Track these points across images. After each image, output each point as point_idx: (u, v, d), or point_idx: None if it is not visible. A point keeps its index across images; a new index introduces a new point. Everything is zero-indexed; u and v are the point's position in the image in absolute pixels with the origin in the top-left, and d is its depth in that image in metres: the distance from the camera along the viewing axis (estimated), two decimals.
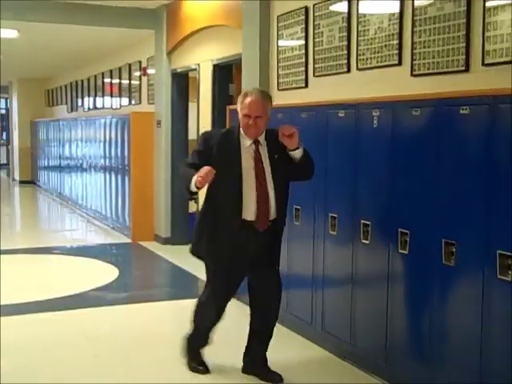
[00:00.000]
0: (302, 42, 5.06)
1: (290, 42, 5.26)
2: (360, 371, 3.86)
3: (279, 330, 4.10)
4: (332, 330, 4.13)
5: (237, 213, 3.50)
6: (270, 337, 3.81)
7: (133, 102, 9.72)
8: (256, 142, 3.58)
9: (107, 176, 9.72)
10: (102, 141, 9.98)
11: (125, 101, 10.08)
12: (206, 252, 3.69)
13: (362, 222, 3.75)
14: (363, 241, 3.75)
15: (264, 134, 3.62)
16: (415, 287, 3.44)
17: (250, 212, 3.51)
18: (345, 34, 4.54)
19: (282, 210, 3.62)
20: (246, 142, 3.57)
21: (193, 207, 7.94)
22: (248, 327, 3.86)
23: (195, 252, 3.75)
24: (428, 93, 3.48)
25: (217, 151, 3.54)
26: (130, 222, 8.69)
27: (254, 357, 3.82)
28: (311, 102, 4.49)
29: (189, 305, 5.55)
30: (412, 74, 3.92)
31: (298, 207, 4.39)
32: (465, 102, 3.10)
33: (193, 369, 3.88)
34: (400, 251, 3.46)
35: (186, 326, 5.04)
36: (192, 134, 8.03)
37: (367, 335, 3.81)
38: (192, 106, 8.02)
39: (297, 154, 3.54)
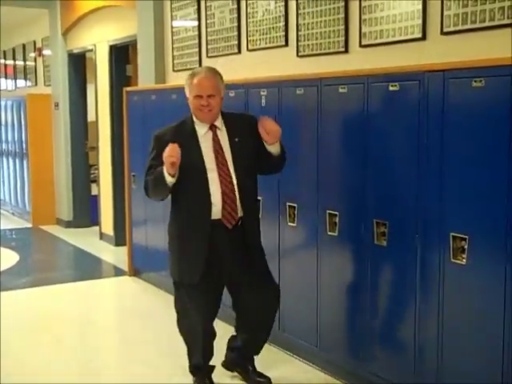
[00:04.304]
0: (195, 23, 5.16)
1: (184, 22, 5.35)
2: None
3: None
4: None
5: (207, 214, 3.05)
6: (264, 341, 3.42)
7: (29, 83, 9.47)
8: (213, 128, 3.13)
9: (4, 160, 9.45)
10: None
11: (20, 82, 9.80)
12: (175, 267, 3.23)
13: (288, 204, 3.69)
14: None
15: (221, 117, 3.17)
16: (346, 268, 3.39)
17: (216, 209, 3.06)
18: (235, 15, 4.68)
19: (249, 202, 3.16)
20: (202, 130, 3.12)
21: (95, 190, 7.91)
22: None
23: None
24: (310, 73, 3.68)
25: None
26: (30, 207, 8.53)
27: (241, 353, 3.43)
28: None
29: (91, 286, 5.66)
30: (298, 55, 4.12)
31: None
32: (343, 82, 3.31)
33: None
34: (329, 233, 3.42)
35: (88, 306, 5.12)
36: (91, 116, 7.97)
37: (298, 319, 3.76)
38: (90, 88, 7.93)
39: (273, 148, 3.13)
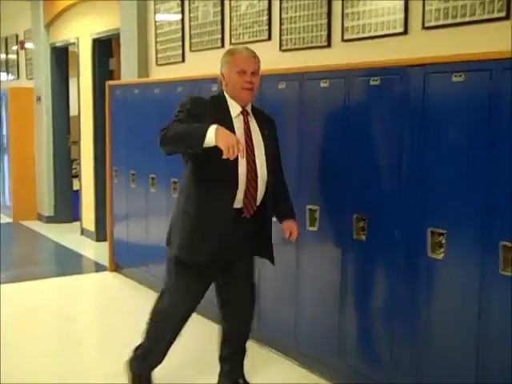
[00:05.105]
0: (179, 16, 5.13)
1: (167, 16, 5.31)
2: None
3: None
4: None
5: (231, 197, 2.89)
6: (244, 352, 3.27)
7: (11, 77, 9.38)
8: (244, 112, 2.96)
9: None
10: None
11: (2, 76, 9.70)
12: (179, 249, 2.98)
13: None
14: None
15: (250, 105, 3.02)
16: (325, 262, 3.39)
17: (238, 197, 2.91)
18: (219, 9, 4.66)
19: (268, 196, 3.03)
20: (235, 111, 2.92)
21: (76, 185, 7.84)
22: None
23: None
24: (292, 67, 3.67)
25: (209, 121, 2.73)
26: (10, 202, 8.46)
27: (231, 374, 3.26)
28: (187, 77, 4.58)
29: (71, 281, 5.60)
30: (280, 49, 4.10)
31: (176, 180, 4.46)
32: (325, 76, 3.30)
33: None
34: (309, 228, 3.41)
35: (68, 302, 5.07)
36: (73, 110, 7.90)
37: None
38: (73, 81, 7.87)
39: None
